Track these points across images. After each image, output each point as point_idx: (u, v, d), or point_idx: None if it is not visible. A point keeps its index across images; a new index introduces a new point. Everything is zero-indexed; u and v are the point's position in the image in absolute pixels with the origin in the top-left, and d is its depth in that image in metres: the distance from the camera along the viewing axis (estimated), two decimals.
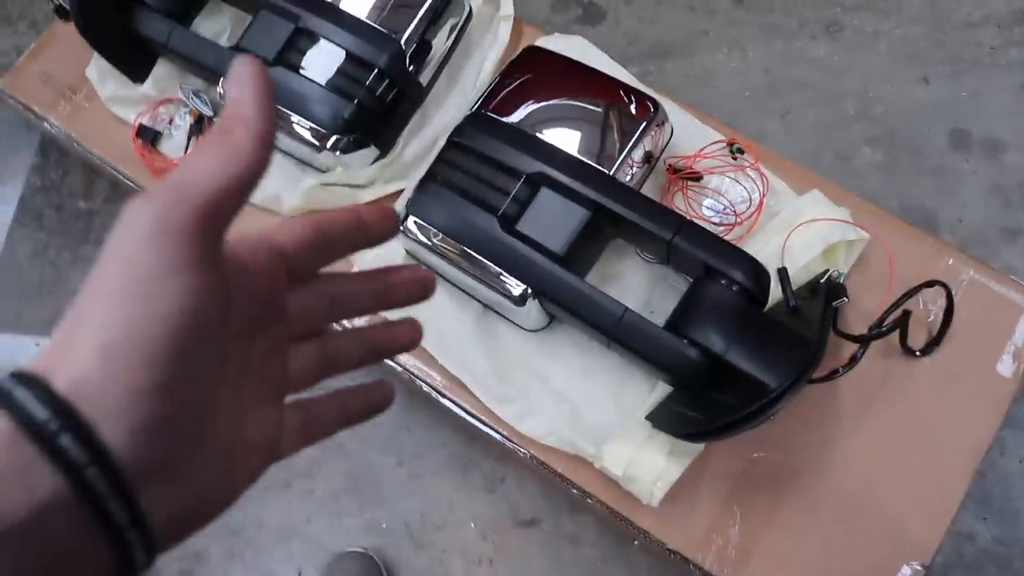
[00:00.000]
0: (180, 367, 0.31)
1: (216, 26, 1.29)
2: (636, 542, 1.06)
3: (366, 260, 1.12)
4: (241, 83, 0.34)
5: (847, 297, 0.95)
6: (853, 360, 0.96)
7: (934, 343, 1.02)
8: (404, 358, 1.11)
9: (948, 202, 1.46)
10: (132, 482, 0.29)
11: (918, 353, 1.02)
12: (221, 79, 1.16)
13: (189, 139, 1.24)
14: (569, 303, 0.96)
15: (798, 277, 1.00)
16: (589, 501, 1.04)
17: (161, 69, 1.28)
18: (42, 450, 0.28)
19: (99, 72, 1.29)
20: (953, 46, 1.55)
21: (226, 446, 0.35)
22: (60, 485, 0.28)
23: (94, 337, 0.30)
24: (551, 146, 1.02)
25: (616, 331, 0.94)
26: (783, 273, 0.98)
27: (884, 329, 0.97)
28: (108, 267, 0.31)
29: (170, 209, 0.32)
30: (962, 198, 1.46)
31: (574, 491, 1.05)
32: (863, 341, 0.96)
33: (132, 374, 0.30)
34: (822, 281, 0.98)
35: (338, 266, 1.14)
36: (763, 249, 1.03)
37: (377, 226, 0.42)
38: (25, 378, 0.29)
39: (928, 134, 1.50)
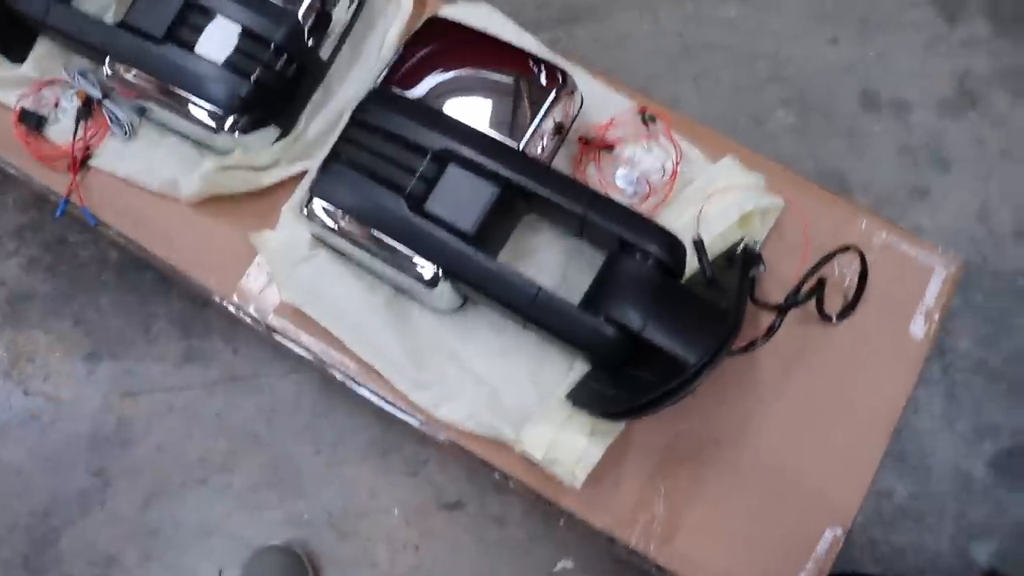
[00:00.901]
0: None
1: (100, 1, 1.20)
2: (562, 522, 1.05)
3: (269, 248, 1.07)
4: None
5: (764, 265, 0.94)
6: (771, 330, 0.96)
7: (849, 308, 1.03)
8: (313, 344, 1.07)
9: (859, 163, 1.47)
10: None
11: (834, 319, 1.02)
12: (107, 57, 1.09)
13: (77, 123, 1.16)
14: (482, 284, 0.93)
15: (714, 246, 0.99)
16: (512, 485, 1.02)
17: (42, 48, 1.19)
18: None
19: None
20: (860, 6, 1.56)
21: None
22: None
23: None
24: (457, 121, 0.98)
25: (531, 311, 0.92)
26: (699, 244, 0.97)
27: (800, 298, 0.97)
28: None
29: None
30: (873, 158, 1.47)
31: (496, 475, 1.03)
32: (780, 311, 0.95)
33: None
34: (739, 251, 0.97)
35: (242, 248, 1.08)
36: (678, 219, 1.01)
37: None
38: None
39: (839, 95, 1.51)
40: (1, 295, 1.46)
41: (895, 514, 1.30)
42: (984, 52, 1.53)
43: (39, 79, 1.19)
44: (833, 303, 1.03)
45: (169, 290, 1.45)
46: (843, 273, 1.04)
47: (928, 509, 1.30)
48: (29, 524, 1.36)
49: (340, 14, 1.13)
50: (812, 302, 1.00)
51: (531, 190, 0.93)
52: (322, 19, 1.10)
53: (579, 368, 0.99)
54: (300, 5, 1.07)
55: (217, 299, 1.11)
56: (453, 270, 0.94)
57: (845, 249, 1.00)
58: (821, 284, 0.98)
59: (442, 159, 0.97)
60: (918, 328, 1.03)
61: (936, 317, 1.03)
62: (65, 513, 1.36)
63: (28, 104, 1.18)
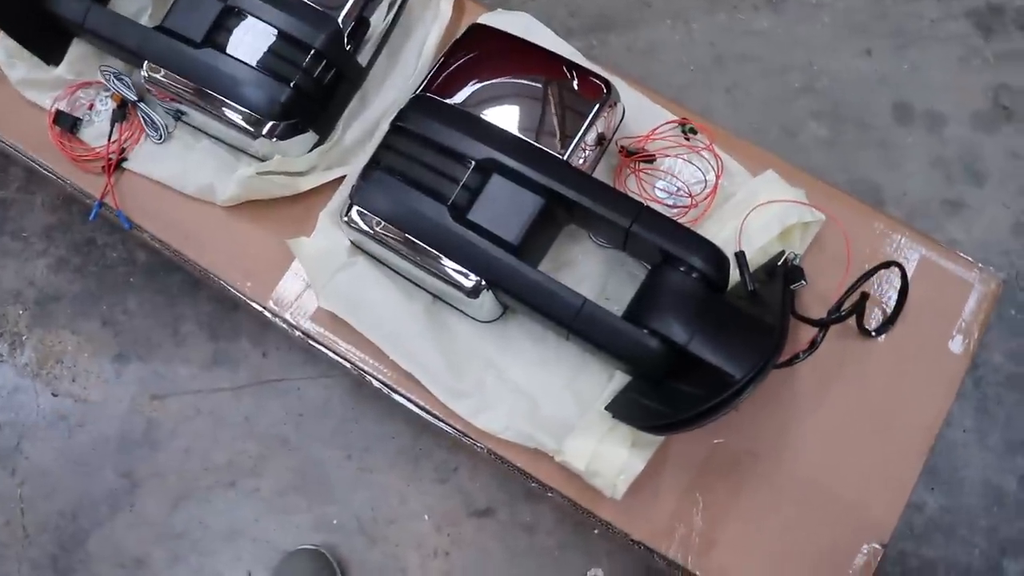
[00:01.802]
0: None
1: (137, 4, 1.20)
2: (596, 531, 1.05)
3: (308, 254, 1.07)
4: None
5: (805, 280, 0.94)
6: (813, 345, 0.95)
7: (888, 323, 1.02)
8: (351, 351, 1.06)
9: (892, 175, 1.46)
10: None
11: (873, 334, 1.02)
12: (145, 61, 1.09)
13: (112, 126, 1.16)
14: (526, 296, 0.93)
15: (755, 259, 0.99)
16: (549, 494, 1.02)
17: (77, 50, 1.19)
18: None
19: (7, 53, 1.19)
20: (895, 18, 1.55)
21: None
22: None
23: None
24: (502, 131, 0.98)
25: (576, 323, 0.91)
26: (741, 257, 0.96)
27: (843, 313, 0.97)
28: None
29: None
30: (906, 171, 1.47)
31: (533, 484, 1.02)
32: (823, 325, 0.95)
33: None
34: (779, 264, 0.96)
35: (278, 254, 1.07)
36: (720, 232, 1.01)
37: None
38: None
39: (872, 107, 1.51)
40: (30, 295, 1.46)
41: (926, 527, 1.29)
42: (1020, 66, 1.52)
43: (74, 81, 1.19)
44: (872, 318, 1.02)
45: (197, 292, 1.44)
46: (882, 288, 1.04)
47: (959, 523, 1.30)
48: (58, 525, 1.36)
49: (378, 20, 1.12)
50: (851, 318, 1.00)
51: (577, 202, 0.93)
52: (361, 25, 1.09)
53: (618, 380, 0.98)
54: (340, 11, 1.07)
55: (251, 303, 1.11)
56: (497, 281, 0.93)
57: (887, 265, 1.00)
58: (863, 299, 0.98)
59: (486, 169, 0.97)
60: (957, 345, 1.03)
61: (975, 333, 1.03)
62: (93, 515, 1.36)
63: (63, 106, 1.18)
